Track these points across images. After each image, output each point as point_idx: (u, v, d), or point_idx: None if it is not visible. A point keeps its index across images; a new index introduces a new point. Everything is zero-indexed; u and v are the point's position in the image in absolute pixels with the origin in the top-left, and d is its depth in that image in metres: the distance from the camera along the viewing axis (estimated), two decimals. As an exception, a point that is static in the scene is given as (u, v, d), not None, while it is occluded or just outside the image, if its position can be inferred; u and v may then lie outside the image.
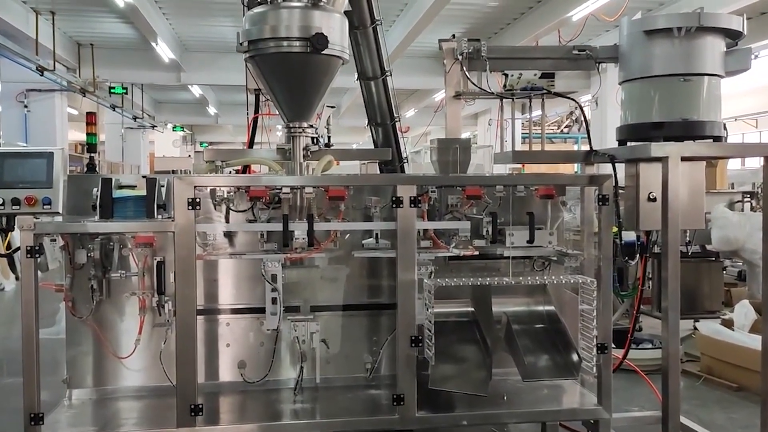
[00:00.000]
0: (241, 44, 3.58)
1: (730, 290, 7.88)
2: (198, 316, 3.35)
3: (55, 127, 14.95)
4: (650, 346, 6.03)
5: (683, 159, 3.53)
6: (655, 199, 3.59)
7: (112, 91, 16.66)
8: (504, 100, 4.32)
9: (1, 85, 13.04)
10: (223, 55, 15.42)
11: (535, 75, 4.12)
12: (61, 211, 3.22)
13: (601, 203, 3.53)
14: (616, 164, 3.65)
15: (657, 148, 3.50)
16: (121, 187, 3.54)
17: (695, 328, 6.30)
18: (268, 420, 3.51)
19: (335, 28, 3.55)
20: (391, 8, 11.92)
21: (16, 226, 3.16)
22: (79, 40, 14.94)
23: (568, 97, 4.15)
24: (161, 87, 20.85)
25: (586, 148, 4.01)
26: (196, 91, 20.01)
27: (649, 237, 3.88)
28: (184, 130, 29.33)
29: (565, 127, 20.66)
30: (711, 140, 3.70)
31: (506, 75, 4.17)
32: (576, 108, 16.33)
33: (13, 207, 3.13)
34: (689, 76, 3.60)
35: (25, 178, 3.16)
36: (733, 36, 3.71)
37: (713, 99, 3.68)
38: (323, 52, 3.47)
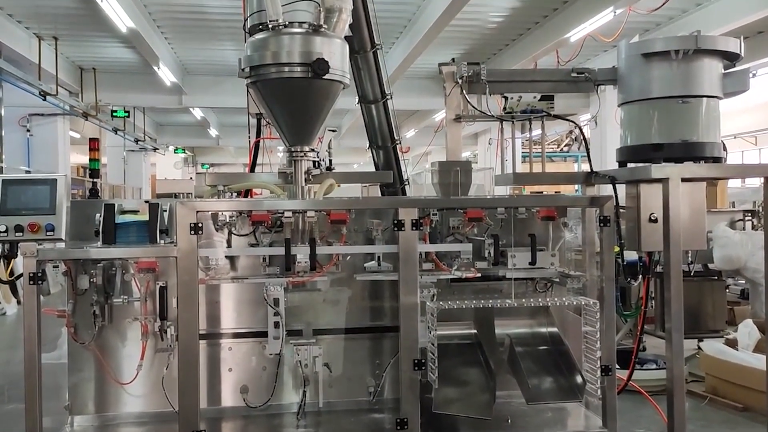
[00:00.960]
0: (243, 70, 3.61)
1: (733, 309, 7.86)
2: (200, 341, 3.34)
3: (58, 150, 15.02)
4: (654, 366, 6.00)
5: (684, 180, 3.54)
6: (656, 220, 3.60)
7: (114, 114, 16.74)
8: (504, 122, 4.34)
9: (3, 109, 13.12)
10: (224, 78, 15.54)
11: (535, 97, 4.15)
12: (64, 238, 3.22)
13: (602, 224, 3.55)
14: (617, 185, 3.66)
15: (657, 170, 3.52)
16: (123, 212, 3.55)
17: (699, 348, 6.27)
18: (271, 445, 3.49)
19: (336, 53, 3.58)
20: (391, 30, 12.03)
21: (18, 253, 3.17)
22: (81, 64, 15.06)
23: (568, 120, 4.17)
24: (163, 110, 20.99)
25: (586, 166, 4.03)
26: (198, 113, 20.13)
27: (651, 257, 3.88)
28: (186, 152, 29.46)
29: (564, 145, 20.74)
30: (711, 161, 3.72)
31: (506, 98, 4.20)
32: (575, 127, 16.41)
33: (17, 234, 3.14)
34: (688, 98, 3.63)
35: (28, 204, 3.18)
36: (730, 58, 3.74)
37: (712, 120, 3.70)
38: (324, 77, 3.50)
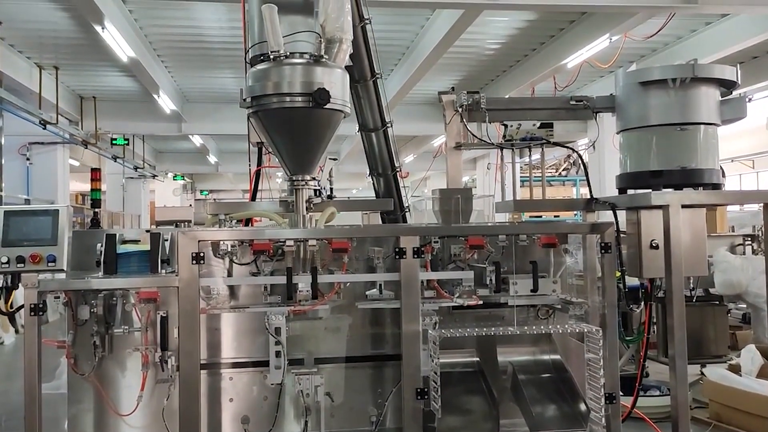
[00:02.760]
0: (244, 100, 3.64)
1: (735, 333, 7.81)
2: (201, 370, 3.32)
3: (57, 179, 15.04)
4: (657, 393, 5.95)
5: (684, 206, 3.56)
6: (657, 247, 3.61)
7: (113, 142, 16.82)
8: (502, 149, 4.37)
9: (3, 138, 13.17)
10: (223, 106, 15.64)
11: (534, 125, 4.19)
12: (65, 268, 3.22)
13: (604, 251, 3.55)
14: (617, 211, 3.67)
15: (657, 197, 3.53)
16: (124, 242, 3.55)
17: (702, 374, 6.23)
18: (272, 477, 3.45)
19: (336, 82, 3.62)
20: (389, 57, 12.15)
21: (20, 284, 3.16)
22: (81, 93, 15.17)
23: (568, 147, 4.20)
24: (162, 137, 21.08)
25: (585, 190, 4.05)
26: (197, 140, 20.22)
27: (652, 283, 3.88)
28: (185, 178, 29.53)
29: (563, 169, 20.80)
30: (710, 187, 3.74)
31: (505, 125, 4.23)
32: (575, 153, 16.46)
33: (18, 265, 3.14)
34: (686, 126, 3.67)
35: (30, 235, 3.18)
36: (727, 85, 3.79)
37: (711, 147, 3.73)
38: (325, 107, 3.53)
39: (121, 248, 3.50)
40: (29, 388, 3.18)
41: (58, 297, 3.37)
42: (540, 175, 5.26)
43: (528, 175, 7.91)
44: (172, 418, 3.47)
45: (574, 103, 4.11)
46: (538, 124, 4.18)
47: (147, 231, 3.60)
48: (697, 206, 3.72)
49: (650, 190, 3.62)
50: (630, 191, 3.87)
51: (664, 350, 6.29)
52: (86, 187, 21.96)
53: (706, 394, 5.91)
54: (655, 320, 5.86)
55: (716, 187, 3.73)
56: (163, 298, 3.58)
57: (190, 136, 19.07)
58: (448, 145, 4.25)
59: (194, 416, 3.24)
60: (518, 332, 3.51)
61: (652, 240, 3.63)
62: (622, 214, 3.70)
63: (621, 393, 3.57)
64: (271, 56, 3.54)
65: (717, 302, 7.00)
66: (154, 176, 23.78)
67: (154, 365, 3.61)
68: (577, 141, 13.45)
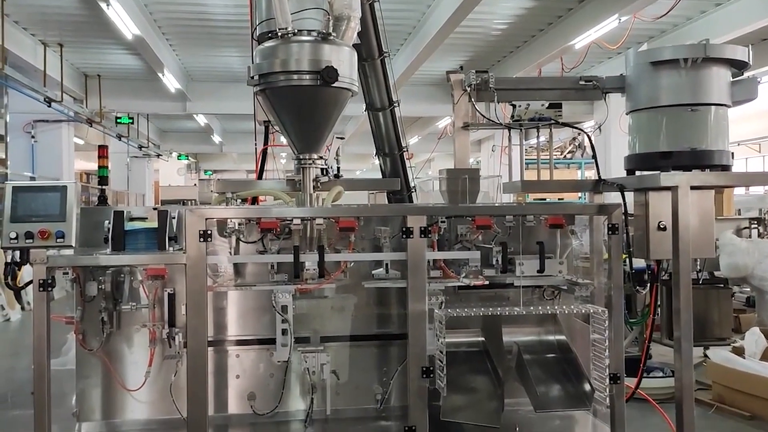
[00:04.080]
0: (251, 78, 3.62)
1: (738, 317, 7.83)
2: (208, 348, 3.34)
3: (62, 157, 15.05)
4: (661, 374, 5.98)
5: (692, 188, 3.54)
6: (665, 228, 3.59)
7: (118, 121, 16.80)
8: (510, 130, 4.34)
9: (9, 116, 13.16)
10: (228, 85, 15.60)
11: (543, 105, 4.16)
12: (74, 245, 3.22)
13: (611, 232, 3.54)
14: (625, 192, 3.66)
15: (666, 178, 3.51)
16: (132, 219, 3.56)
17: (705, 356, 6.25)
18: (278, 453, 3.49)
19: (344, 61, 3.59)
20: (395, 37, 12.06)
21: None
22: (86, 71, 15.12)
23: (576, 128, 4.17)
24: (167, 116, 21.05)
25: (590, 173, 4.04)
26: (201, 120, 20.18)
27: (659, 265, 3.87)
28: (189, 158, 29.51)
29: (568, 152, 20.71)
30: (719, 169, 3.72)
31: (514, 106, 4.20)
32: (579, 134, 16.41)
33: (27, 241, 3.13)
34: (696, 106, 3.63)
35: (38, 211, 3.17)
36: (738, 66, 3.75)
37: (721, 128, 3.70)
38: (333, 85, 3.51)
39: (129, 225, 3.50)
40: (38, 363, 3.20)
41: (67, 273, 3.39)
42: (546, 157, 5.24)
43: (533, 157, 7.87)
44: (180, 394, 3.50)
45: (583, 83, 4.08)
46: (546, 105, 4.15)
47: (154, 209, 3.60)
48: (706, 188, 3.70)
49: (659, 172, 3.59)
50: (638, 173, 3.85)
51: (668, 332, 6.30)
52: (90, 166, 22.02)
53: (710, 375, 5.94)
54: (659, 303, 5.87)
55: (725, 168, 3.71)
56: (170, 275, 3.60)
57: (195, 116, 19.04)
58: (456, 125, 4.22)
59: (202, 393, 3.26)
60: (524, 312, 3.52)
61: (660, 222, 3.62)
62: (630, 197, 3.69)
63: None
64: (279, 33, 3.51)
65: (722, 285, 7.02)
66: (158, 155, 23.78)
67: (161, 341, 3.64)
68: (583, 124, 13.38)
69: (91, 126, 15.50)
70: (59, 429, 3.62)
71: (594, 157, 4.11)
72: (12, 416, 5.83)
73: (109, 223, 3.47)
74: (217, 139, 24.41)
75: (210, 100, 16.51)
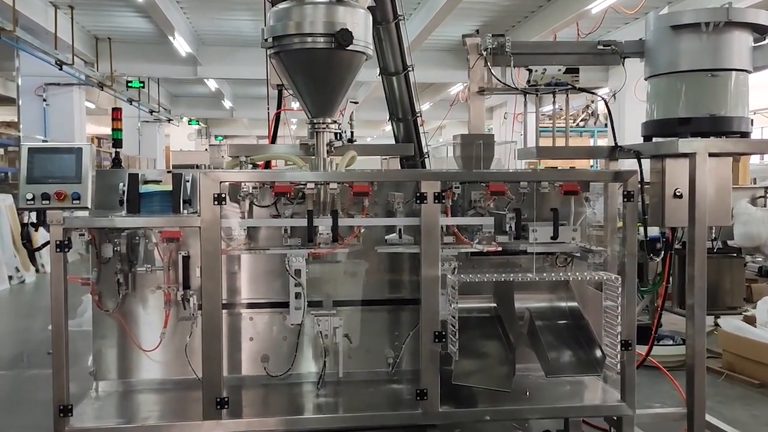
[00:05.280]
0: (265, 40, 3.58)
1: (750, 286, 7.82)
2: (222, 310, 3.37)
3: (74, 120, 15.05)
4: (671, 342, 6.00)
5: (710, 155, 3.50)
6: (681, 196, 3.57)
7: (129, 85, 16.75)
8: (526, 95, 4.29)
9: (20, 79, 13.15)
10: (239, 49, 15.47)
11: (560, 70, 4.10)
12: (89, 206, 3.24)
13: (626, 199, 3.52)
14: (641, 159, 3.62)
15: (684, 144, 3.47)
16: (146, 182, 3.56)
17: (716, 325, 6.26)
18: (291, 414, 3.55)
19: (359, 23, 3.55)
20: (408, 1, 11.88)
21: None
22: (97, 34, 15.03)
23: (594, 93, 4.11)
24: (177, 81, 20.97)
25: (602, 141, 4.00)
26: (212, 84, 20.10)
27: (674, 233, 3.85)
28: (200, 123, 29.46)
29: (581, 120, 20.52)
30: (738, 136, 3.67)
31: (530, 71, 4.14)
32: (592, 102, 16.22)
33: (43, 202, 3.15)
34: (717, 72, 3.57)
35: (54, 173, 3.18)
36: (761, 31, 3.67)
37: (741, 94, 3.64)
38: (347, 48, 3.47)
39: (144, 188, 3.51)
40: (56, 323, 3.25)
41: (83, 235, 3.41)
42: (561, 125, 5.18)
43: (547, 125, 7.80)
44: (195, 355, 3.55)
45: (602, 47, 4.01)
46: (563, 70, 4.09)
47: (168, 172, 3.60)
48: (723, 155, 3.66)
49: (677, 138, 3.55)
50: (656, 139, 3.80)
51: (679, 301, 6.31)
52: (101, 130, 22.02)
53: (721, 344, 5.96)
54: (671, 271, 5.86)
55: (745, 135, 3.66)
56: (185, 238, 3.62)
57: (206, 80, 18.96)
58: (471, 90, 4.17)
59: (217, 355, 3.31)
60: (537, 279, 3.52)
61: (676, 189, 3.59)
62: (646, 164, 3.65)
63: (635, 341, 3.59)
64: (293, -6, 3.46)
65: (735, 254, 6.99)
66: (169, 120, 23.74)
67: (176, 303, 3.68)
68: (597, 90, 13.19)
69: (102, 90, 15.47)
70: (76, 387, 3.68)
71: (611, 122, 4.06)
72: (29, 375, 5.94)
73: (124, 185, 3.48)
74: (227, 104, 24.32)
75: (221, 64, 16.40)
